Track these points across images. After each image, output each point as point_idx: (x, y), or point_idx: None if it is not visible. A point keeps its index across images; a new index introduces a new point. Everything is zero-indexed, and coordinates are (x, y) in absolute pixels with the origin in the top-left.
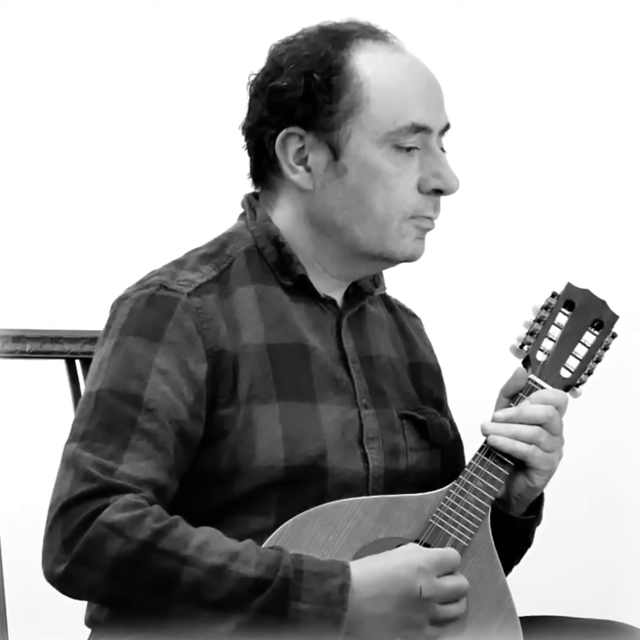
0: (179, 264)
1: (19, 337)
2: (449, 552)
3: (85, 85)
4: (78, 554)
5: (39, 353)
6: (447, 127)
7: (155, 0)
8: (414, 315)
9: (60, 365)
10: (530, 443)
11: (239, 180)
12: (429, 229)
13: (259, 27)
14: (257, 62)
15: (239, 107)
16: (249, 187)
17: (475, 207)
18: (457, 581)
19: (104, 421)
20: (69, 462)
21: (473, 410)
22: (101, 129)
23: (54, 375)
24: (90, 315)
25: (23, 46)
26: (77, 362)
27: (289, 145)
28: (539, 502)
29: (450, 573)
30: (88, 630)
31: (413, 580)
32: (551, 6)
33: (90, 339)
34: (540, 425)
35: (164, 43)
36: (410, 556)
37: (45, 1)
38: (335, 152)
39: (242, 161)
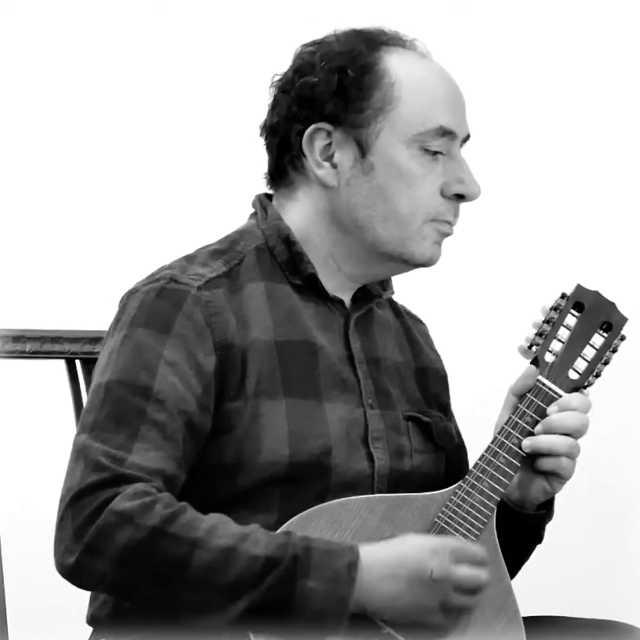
0: (189, 259)
1: (19, 337)
2: (472, 545)
3: (86, 85)
4: (88, 544)
5: (39, 353)
6: (468, 137)
7: (155, 0)
8: (420, 321)
9: (60, 365)
10: (564, 455)
11: (248, 181)
12: (448, 234)
13: (260, 27)
14: (259, 61)
15: (244, 106)
16: (258, 188)
17: (483, 209)
18: (473, 571)
19: (113, 412)
20: (79, 452)
21: (478, 415)
22: (102, 128)
23: (54, 375)
24: (90, 315)
25: (23, 46)
26: (77, 362)
27: (316, 141)
28: (550, 498)
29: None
30: (89, 629)
31: (424, 560)
32: (551, 6)
33: (90, 339)
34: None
35: (164, 43)
36: (424, 539)
37: (45, 1)
38: (362, 150)
39: (250, 161)
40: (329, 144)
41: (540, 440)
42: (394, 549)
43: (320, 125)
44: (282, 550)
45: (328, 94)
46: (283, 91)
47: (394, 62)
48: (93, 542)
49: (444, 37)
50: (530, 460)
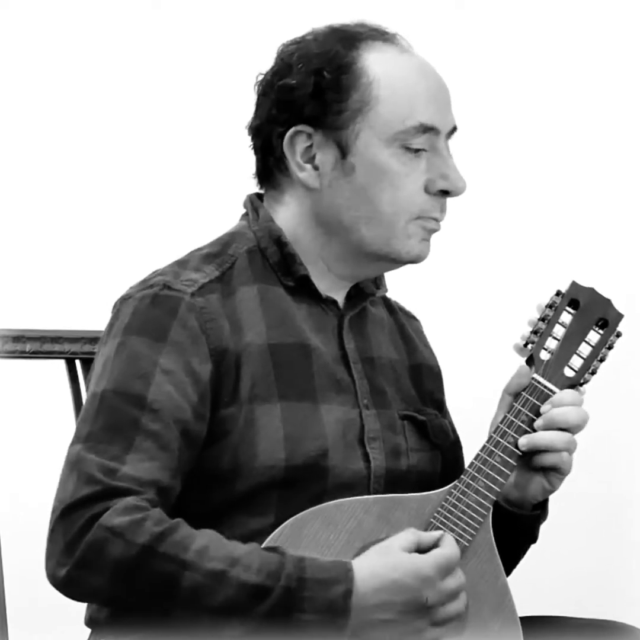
0: (181, 263)
1: (19, 337)
2: (451, 553)
3: (86, 85)
4: (79, 558)
5: (39, 353)
6: (454, 129)
7: (155, 0)
8: (413, 318)
9: (60, 365)
10: (563, 450)
11: (241, 181)
12: (435, 231)
13: (259, 28)
14: (258, 62)
15: (241, 107)
16: (251, 188)
17: (477, 206)
18: (457, 581)
19: (108, 422)
20: (73, 464)
21: (473, 412)
22: (102, 128)
23: (54, 375)
24: (90, 315)
25: (23, 46)
26: (77, 362)
27: (297, 144)
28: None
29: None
30: (88, 630)
31: (420, 589)
32: (551, 6)
33: (90, 339)
34: (566, 429)
35: (164, 43)
36: (417, 564)
37: (45, 1)
38: (343, 151)
39: (244, 162)
40: (310, 146)
41: (539, 437)
42: (390, 577)
43: (300, 127)
44: (273, 579)
45: (306, 97)
46: (264, 93)
47: (371, 60)
48: (84, 557)
49: (444, 37)
50: (527, 459)
